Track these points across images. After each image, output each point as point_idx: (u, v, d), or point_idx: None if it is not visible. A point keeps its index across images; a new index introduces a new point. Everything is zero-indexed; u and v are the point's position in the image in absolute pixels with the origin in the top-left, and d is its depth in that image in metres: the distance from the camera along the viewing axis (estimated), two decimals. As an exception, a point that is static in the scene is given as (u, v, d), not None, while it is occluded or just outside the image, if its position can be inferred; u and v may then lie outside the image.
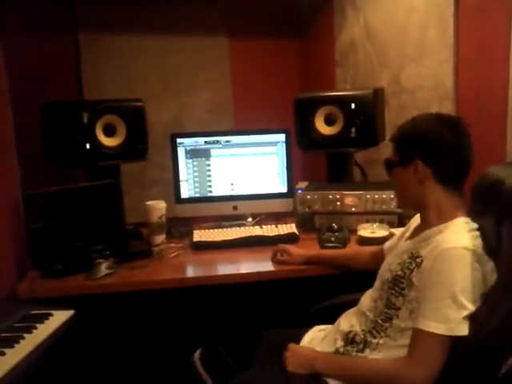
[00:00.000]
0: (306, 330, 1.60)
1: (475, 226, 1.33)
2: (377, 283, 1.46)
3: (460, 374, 1.23)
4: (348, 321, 1.46)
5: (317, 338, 1.54)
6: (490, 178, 1.35)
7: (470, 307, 1.21)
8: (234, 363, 1.56)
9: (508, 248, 1.20)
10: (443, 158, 1.34)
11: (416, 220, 1.50)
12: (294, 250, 1.91)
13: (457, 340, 1.20)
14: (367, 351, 1.36)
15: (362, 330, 1.40)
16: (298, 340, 1.55)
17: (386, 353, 1.33)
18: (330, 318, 1.56)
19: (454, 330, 1.19)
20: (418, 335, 1.24)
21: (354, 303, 1.52)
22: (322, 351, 1.44)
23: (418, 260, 1.30)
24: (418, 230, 1.43)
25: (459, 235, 1.28)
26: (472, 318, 1.20)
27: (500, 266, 1.24)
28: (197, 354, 1.63)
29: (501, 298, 1.19)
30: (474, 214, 1.37)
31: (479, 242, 1.29)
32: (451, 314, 1.20)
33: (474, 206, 1.39)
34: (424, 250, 1.31)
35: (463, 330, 1.19)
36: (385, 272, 1.42)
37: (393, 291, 1.34)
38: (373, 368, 1.31)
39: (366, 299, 1.46)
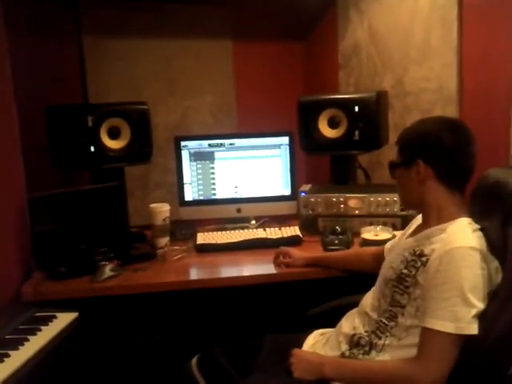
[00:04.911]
0: (307, 335, 1.59)
1: (478, 226, 1.33)
2: (379, 282, 1.45)
3: (469, 373, 1.22)
4: (350, 323, 1.46)
5: (319, 343, 1.53)
6: (490, 180, 1.35)
7: (480, 305, 1.21)
8: (232, 370, 1.54)
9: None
10: (442, 159, 1.35)
11: (418, 219, 1.50)
12: (296, 252, 1.91)
13: (466, 339, 1.20)
14: (373, 353, 1.35)
15: (366, 332, 1.39)
16: (299, 345, 1.54)
17: (392, 353, 1.32)
18: (330, 321, 1.55)
19: (464, 329, 1.19)
20: (427, 335, 1.23)
21: (354, 305, 1.51)
22: (327, 355, 1.43)
23: (423, 259, 1.30)
24: (419, 229, 1.43)
25: (465, 235, 1.28)
26: (481, 317, 1.20)
27: (506, 267, 1.24)
28: (194, 361, 1.61)
29: (509, 300, 1.19)
30: (475, 215, 1.37)
31: (484, 241, 1.29)
32: (460, 312, 1.20)
33: (474, 208, 1.40)
34: (428, 249, 1.31)
35: (473, 329, 1.19)
36: (387, 270, 1.41)
37: (397, 289, 1.34)
38: (383, 370, 1.30)
39: (368, 299, 1.46)
